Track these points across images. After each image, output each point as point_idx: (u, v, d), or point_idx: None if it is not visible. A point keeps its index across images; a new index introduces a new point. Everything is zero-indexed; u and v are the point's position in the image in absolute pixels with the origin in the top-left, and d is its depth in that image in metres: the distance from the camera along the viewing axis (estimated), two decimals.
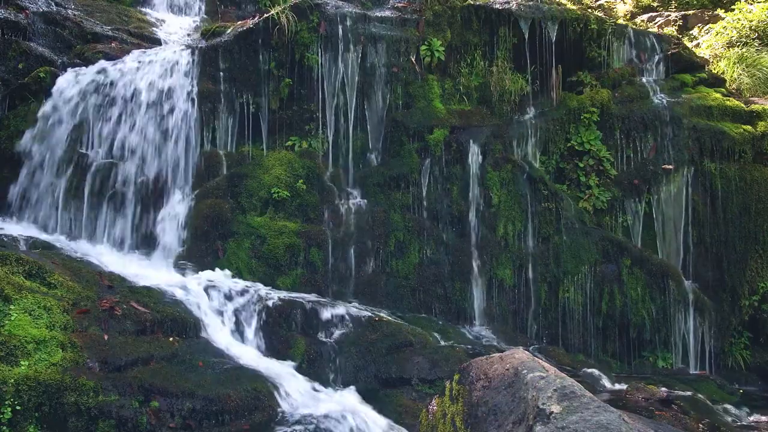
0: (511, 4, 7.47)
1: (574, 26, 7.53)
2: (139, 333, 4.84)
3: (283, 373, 5.09)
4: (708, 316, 6.78)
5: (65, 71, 6.92)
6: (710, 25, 10.27)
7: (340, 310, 5.86)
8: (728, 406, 5.62)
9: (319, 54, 7.07)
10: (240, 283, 5.91)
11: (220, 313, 5.49)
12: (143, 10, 9.34)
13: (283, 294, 5.92)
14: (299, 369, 5.26)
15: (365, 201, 6.81)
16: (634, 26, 9.21)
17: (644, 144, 7.26)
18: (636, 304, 6.69)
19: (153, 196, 6.52)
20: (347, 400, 4.95)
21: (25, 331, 4.24)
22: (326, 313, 5.77)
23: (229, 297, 5.65)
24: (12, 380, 3.94)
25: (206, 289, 5.66)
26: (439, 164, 6.98)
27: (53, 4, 7.93)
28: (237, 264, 6.24)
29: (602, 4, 11.90)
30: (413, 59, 7.25)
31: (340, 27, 7.09)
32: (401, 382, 5.46)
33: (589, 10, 9.73)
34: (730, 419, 5.36)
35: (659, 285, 6.74)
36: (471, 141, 7.01)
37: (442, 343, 5.93)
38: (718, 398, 5.86)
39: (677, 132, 7.23)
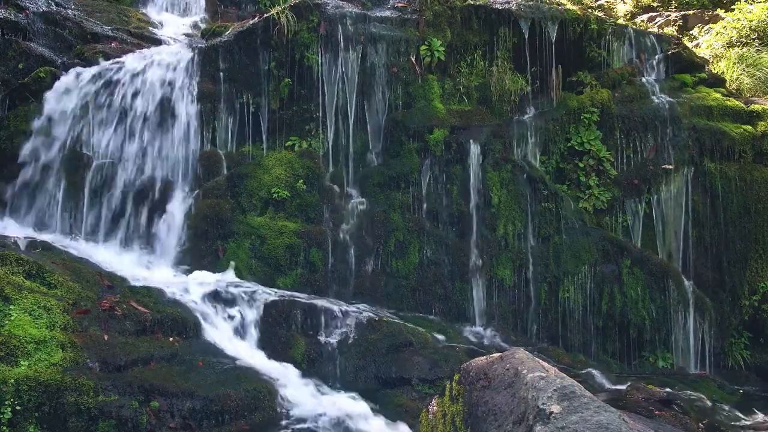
0: (511, 4, 7.47)
1: (574, 26, 7.53)
2: (139, 333, 4.85)
3: (283, 373, 5.09)
4: (708, 316, 6.78)
5: (65, 71, 6.91)
6: (710, 25, 10.27)
7: (340, 310, 5.86)
8: (728, 406, 5.61)
9: (319, 54, 7.06)
10: (240, 283, 5.91)
11: (220, 313, 5.49)
12: (143, 10, 9.35)
13: (283, 294, 5.92)
14: (299, 369, 5.27)
15: (365, 201, 6.81)
16: (634, 26, 9.21)
17: (644, 144, 7.26)
18: (636, 304, 6.69)
19: (153, 196, 6.51)
20: (347, 400, 4.95)
21: (25, 331, 4.25)
22: (326, 313, 5.77)
23: (229, 297, 5.65)
24: (12, 380, 3.94)
25: (206, 289, 5.66)
26: (439, 164, 6.98)
27: (53, 4, 7.93)
28: (237, 264, 6.23)
29: (602, 4, 11.89)
30: (413, 59, 7.25)
31: (340, 27, 7.09)
32: (401, 382, 5.47)
33: (589, 10, 9.72)
34: (730, 419, 5.36)
35: (659, 285, 6.74)
36: (471, 141, 7.01)
37: (442, 343, 5.93)
38: (718, 398, 5.85)
39: (677, 132, 7.23)
